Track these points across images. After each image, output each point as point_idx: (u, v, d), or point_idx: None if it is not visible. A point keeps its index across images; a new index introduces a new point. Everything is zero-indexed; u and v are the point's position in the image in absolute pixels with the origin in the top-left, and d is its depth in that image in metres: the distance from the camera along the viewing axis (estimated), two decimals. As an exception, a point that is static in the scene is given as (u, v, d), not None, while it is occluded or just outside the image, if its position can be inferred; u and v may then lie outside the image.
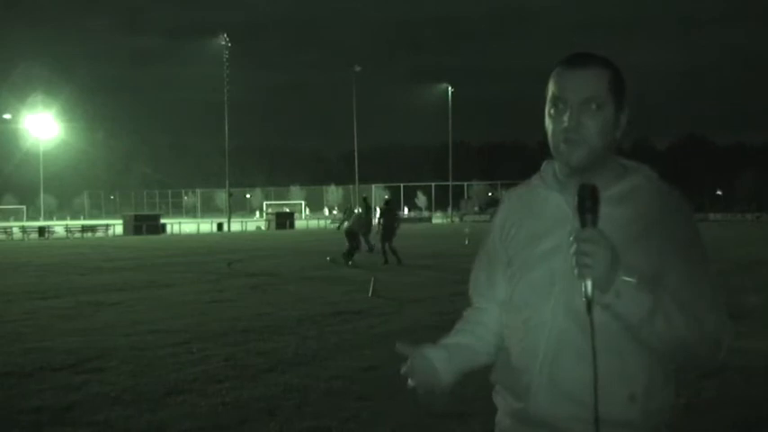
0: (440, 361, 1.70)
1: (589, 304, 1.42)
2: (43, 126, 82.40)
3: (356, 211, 21.06)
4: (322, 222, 65.52)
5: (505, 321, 1.70)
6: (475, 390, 5.73)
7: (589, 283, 1.41)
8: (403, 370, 1.69)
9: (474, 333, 1.79)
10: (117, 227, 47.72)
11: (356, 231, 19.29)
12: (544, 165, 1.72)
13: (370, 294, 11.83)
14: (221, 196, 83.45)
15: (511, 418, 1.67)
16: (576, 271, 1.42)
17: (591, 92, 1.55)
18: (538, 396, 1.57)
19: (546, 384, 1.56)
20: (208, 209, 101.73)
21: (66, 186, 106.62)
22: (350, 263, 18.12)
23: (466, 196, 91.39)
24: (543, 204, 1.66)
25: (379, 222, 19.69)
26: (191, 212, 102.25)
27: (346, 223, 20.50)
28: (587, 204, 1.43)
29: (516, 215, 1.72)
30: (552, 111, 1.59)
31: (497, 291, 1.73)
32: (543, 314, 1.58)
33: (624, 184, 1.60)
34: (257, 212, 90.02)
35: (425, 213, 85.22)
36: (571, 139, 1.55)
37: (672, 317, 1.44)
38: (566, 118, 1.55)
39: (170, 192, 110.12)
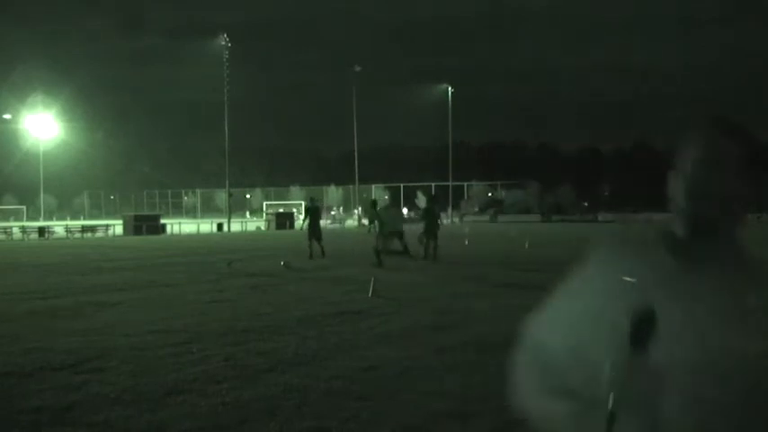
0: None
1: (611, 418, 1.37)
2: (43, 126, 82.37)
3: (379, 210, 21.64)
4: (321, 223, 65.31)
5: None
6: (476, 390, 5.75)
7: (612, 397, 1.37)
8: None
9: None
10: (117, 227, 47.73)
11: (401, 229, 19.72)
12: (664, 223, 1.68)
13: (370, 294, 11.83)
14: (221, 196, 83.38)
15: None
16: (606, 387, 1.39)
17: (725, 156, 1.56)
18: None
19: None
20: (208, 209, 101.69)
21: (66, 186, 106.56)
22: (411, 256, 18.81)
23: (466, 196, 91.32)
24: (646, 258, 1.59)
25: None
26: (191, 212, 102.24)
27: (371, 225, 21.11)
28: (643, 332, 1.37)
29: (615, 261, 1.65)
30: (682, 172, 1.59)
31: None
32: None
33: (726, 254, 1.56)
34: (248, 213, 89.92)
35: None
36: (698, 201, 1.54)
37: None
38: (696, 183, 1.55)
39: (170, 192, 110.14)
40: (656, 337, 1.36)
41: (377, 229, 19.47)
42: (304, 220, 22.73)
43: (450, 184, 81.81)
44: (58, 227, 49.87)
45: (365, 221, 45.08)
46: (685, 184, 1.59)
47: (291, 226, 54.29)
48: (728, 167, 1.57)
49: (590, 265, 1.67)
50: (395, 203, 31.30)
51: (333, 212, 76.80)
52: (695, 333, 1.39)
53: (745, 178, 1.60)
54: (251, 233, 49.00)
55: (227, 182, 60.06)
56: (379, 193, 79.93)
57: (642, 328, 1.36)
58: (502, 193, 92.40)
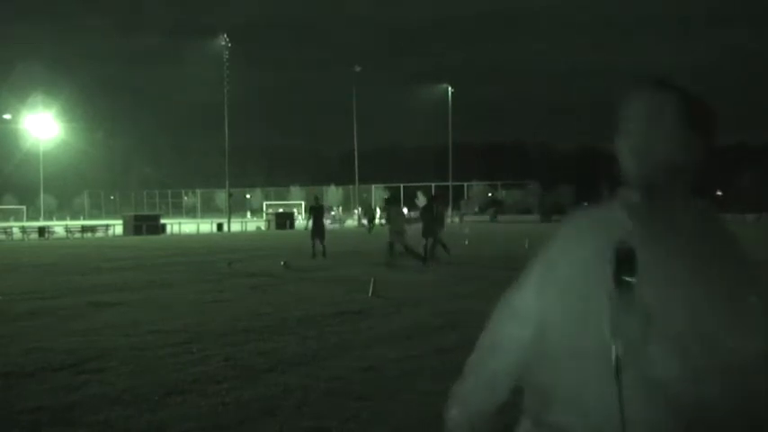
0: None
1: (618, 368, 1.38)
2: (43, 126, 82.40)
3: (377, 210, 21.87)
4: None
5: (542, 348, 1.63)
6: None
7: (619, 346, 1.38)
8: None
9: (493, 372, 1.84)
10: (117, 227, 47.73)
11: (401, 230, 19.63)
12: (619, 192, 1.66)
13: (370, 294, 11.84)
14: (221, 196, 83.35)
15: None
16: (607, 333, 1.39)
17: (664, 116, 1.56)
18: None
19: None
20: (208, 209, 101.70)
21: (66, 186, 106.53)
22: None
23: (466, 196, 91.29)
24: (607, 228, 1.56)
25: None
26: (191, 213, 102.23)
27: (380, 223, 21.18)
28: (624, 267, 1.39)
29: (575, 239, 1.62)
30: (625, 132, 1.60)
31: (536, 313, 1.65)
32: (582, 346, 1.51)
33: (684, 219, 1.55)
34: (248, 213, 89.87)
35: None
36: (642, 158, 1.56)
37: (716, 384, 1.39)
38: (638, 139, 1.57)
39: (170, 192, 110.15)
40: (638, 275, 1.38)
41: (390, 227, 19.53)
42: (307, 220, 22.73)
43: (450, 184, 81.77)
44: (58, 227, 49.83)
45: (364, 221, 45.07)
46: (627, 143, 1.59)
47: (292, 226, 54.29)
48: (666, 124, 1.56)
49: (555, 249, 1.65)
50: (396, 203, 31.45)
51: (332, 212, 76.89)
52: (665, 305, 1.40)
53: (684, 138, 1.58)
54: (251, 233, 48.99)
55: (227, 182, 60.00)
56: (379, 194, 79.93)
57: (624, 266, 1.39)
58: (502, 193, 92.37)
